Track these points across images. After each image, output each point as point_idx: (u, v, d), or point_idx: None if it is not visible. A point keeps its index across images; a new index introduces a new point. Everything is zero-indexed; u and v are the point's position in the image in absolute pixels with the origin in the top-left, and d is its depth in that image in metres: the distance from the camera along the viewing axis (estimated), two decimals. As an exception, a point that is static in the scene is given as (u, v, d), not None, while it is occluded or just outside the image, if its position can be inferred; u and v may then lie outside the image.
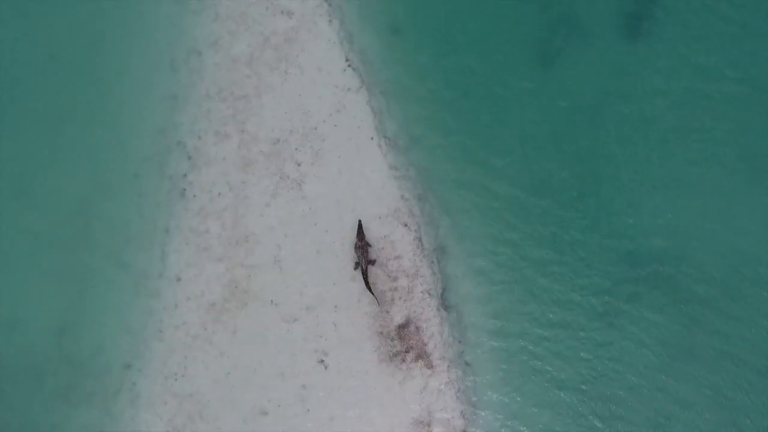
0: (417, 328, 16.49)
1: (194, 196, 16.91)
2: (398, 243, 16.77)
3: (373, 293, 16.28)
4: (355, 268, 16.43)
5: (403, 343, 16.37)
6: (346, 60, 17.39)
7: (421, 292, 16.63)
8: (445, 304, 16.67)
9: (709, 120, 17.27)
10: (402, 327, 16.45)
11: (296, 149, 17.08)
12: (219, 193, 16.89)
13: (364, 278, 16.23)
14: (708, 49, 17.46)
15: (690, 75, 17.43)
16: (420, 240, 16.86)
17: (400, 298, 16.57)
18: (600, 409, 16.28)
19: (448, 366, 16.34)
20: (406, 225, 16.88)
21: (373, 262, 16.44)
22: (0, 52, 17.50)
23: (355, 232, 16.44)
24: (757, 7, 17.53)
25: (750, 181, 17.00)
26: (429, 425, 16.08)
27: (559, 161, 17.29)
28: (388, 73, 17.53)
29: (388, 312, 16.50)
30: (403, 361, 16.29)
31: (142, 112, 17.26)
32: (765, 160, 17.07)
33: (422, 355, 16.36)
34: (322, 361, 16.29)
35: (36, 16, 17.73)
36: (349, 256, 16.58)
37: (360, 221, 16.47)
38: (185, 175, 16.96)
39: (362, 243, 16.30)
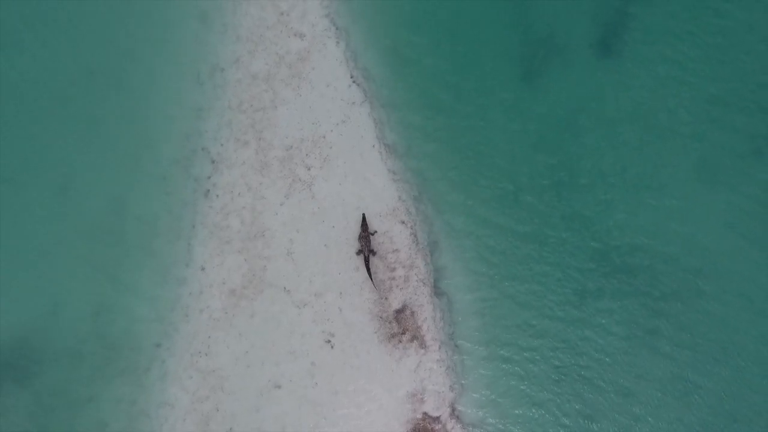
0: (412, 312, 17.67)
1: (217, 195, 18.05)
2: (396, 238, 17.97)
3: (372, 279, 17.54)
4: (358, 254, 17.68)
5: (400, 325, 17.55)
6: (351, 77, 18.55)
7: (416, 281, 17.82)
8: (437, 292, 17.87)
9: (675, 130, 18.48)
10: (399, 312, 17.63)
11: (307, 155, 18.27)
12: (239, 193, 18.05)
13: (366, 265, 17.52)
14: (672, 67, 18.71)
15: (657, 90, 18.66)
16: (415, 235, 18.04)
17: (397, 286, 17.79)
18: (578, 385, 17.44)
19: (440, 346, 17.53)
20: (403, 222, 18.08)
21: (374, 253, 17.69)
22: (46, 68, 18.58)
23: (360, 224, 17.67)
24: (714, 32, 18.84)
25: (711, 186, 18.26)
26: (422, 398, 17.28)
27: (540, 167, 18.49)
28: (389, 88, 18.69)
29: (386, 298, 17.71)
30: (400, 341, 17.49)
31: (170, 121, 18.31)
32: (724, 168, 18.30)
33: (417, 337, 17.52)
34: (329, 341, 17.50)
35: (76, 37, 18.67)
36: (353, 249, 17.81)
37: (364, 214, 17.72)
38: (209, 177, 18.13)
39: (365, 234, 17.53)
